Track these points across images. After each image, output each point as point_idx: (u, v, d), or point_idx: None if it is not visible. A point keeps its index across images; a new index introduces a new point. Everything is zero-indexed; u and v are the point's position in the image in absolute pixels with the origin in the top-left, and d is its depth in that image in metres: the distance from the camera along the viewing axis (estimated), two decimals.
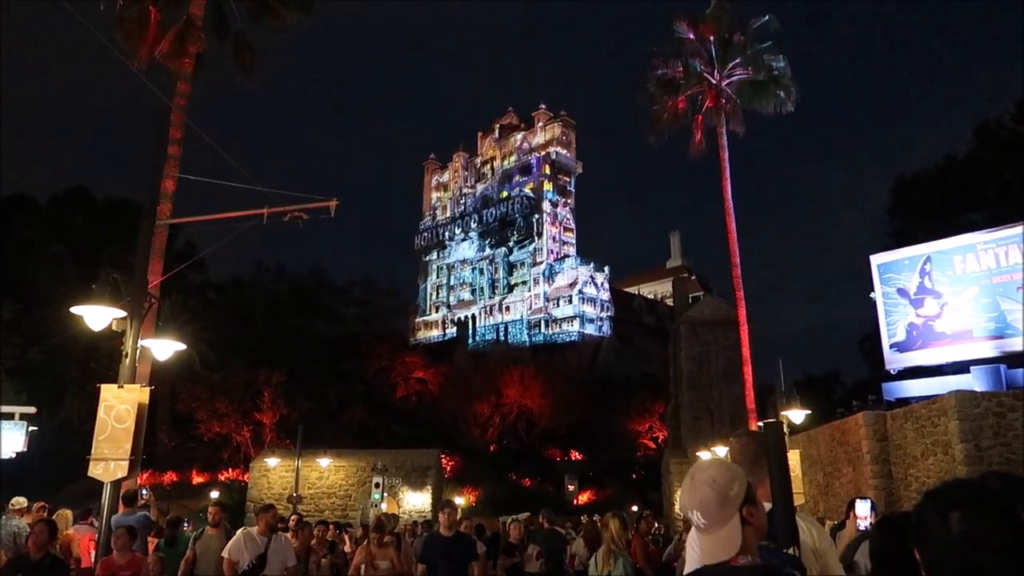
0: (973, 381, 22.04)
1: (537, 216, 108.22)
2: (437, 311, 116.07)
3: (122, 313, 8.03)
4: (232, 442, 51.33)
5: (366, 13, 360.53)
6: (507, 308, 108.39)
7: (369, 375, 61.96)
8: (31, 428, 20.63)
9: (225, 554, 8.07)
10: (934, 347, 24.53)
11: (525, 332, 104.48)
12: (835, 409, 31.32)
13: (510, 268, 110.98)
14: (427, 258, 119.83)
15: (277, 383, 50.40)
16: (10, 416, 20.12)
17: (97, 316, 7.94)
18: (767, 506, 2.58)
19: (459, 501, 49.20)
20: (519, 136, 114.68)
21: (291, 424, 44.92)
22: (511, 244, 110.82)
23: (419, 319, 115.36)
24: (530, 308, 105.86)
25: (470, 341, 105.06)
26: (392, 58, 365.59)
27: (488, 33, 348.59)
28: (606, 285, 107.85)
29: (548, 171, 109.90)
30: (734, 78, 24.31)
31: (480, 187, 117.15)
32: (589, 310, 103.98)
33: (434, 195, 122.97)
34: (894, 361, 25.75)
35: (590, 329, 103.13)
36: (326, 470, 38.73)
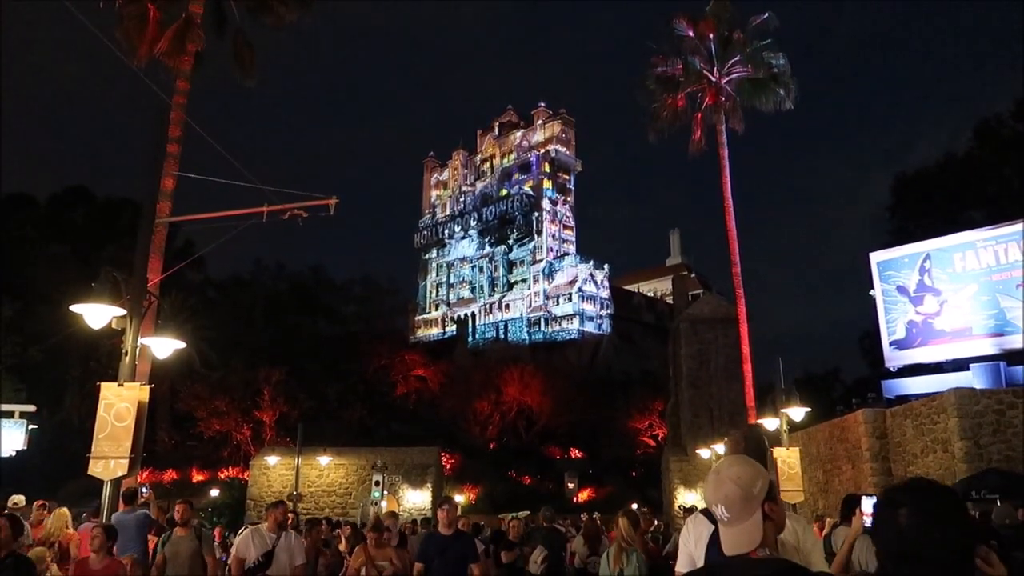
0: (973, 378, 22.06)
1: (537, 214, 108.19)
2: (437, 309, 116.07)
3: (122, 311, 8.02)
4: (232, 440, 51.36)
5: (366, 11, 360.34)
6: (507, 306, 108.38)
7: (369, 373, 61.96)
8: (31, 426, 20.69)
9: (234, 551, 8.02)
10: (934, 344, 24.56)
11: (525, 330, 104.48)
12: (835, 407, 31.37)
13: (510, 266, 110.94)
14: (427, 256, 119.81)
15: (277, 381, 50.41)
16: (10, 414, 20.16)
17: (97, 314, 7.93)
18: None
19: (459, 499, 49.25)
20: (519, 134, 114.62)
21: (291, 422, 44.95)
22: (511, 242, 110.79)
23: (419, 317, 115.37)
24: (530, 306, 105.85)
25: (470, 339, 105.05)
26: (392, 56, 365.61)
27: (488, 31, 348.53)
28: (606, 283, 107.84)
29: (548, 169, 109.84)
30: (734, 76, 24.32)
31: (480, 185, 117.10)
32: (589, 308, 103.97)
33: (433, 193, 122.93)
34: (894, 359, 25.77)
35: (590, 327, 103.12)
36: (326, 468, 38.75)
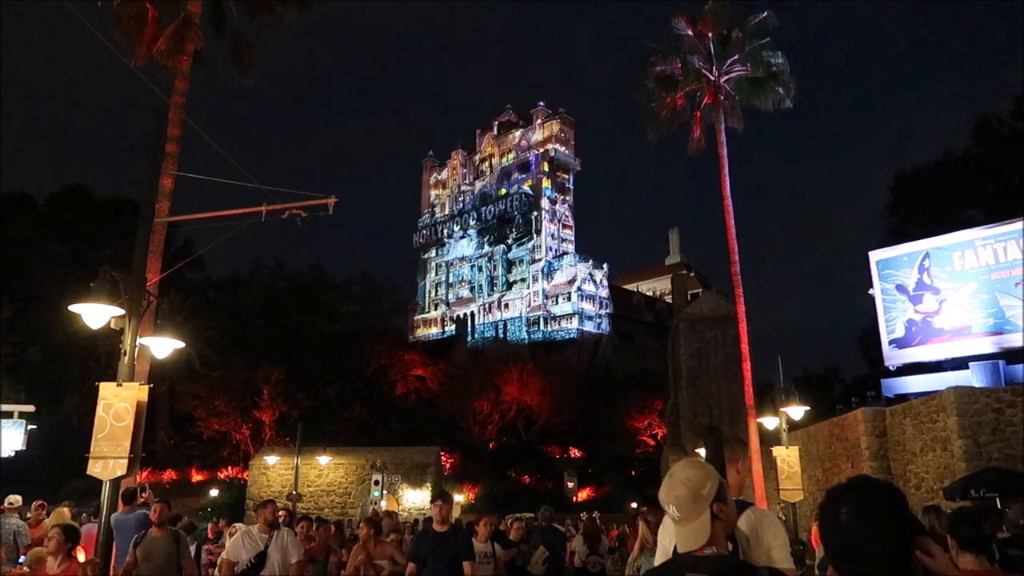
0: (972, 377, 22.08)
1: (536, 213, 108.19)
2: (436, 309, 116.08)
3: (120, 311, 8.01)
4: (231, 440, 51.36)
5: (365, 11, 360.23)
6: (506, 305, 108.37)
7: (368, 373, 61.93)
8: (30, 426, 20.67)
9: (224, 555, 7.74)
10: (933, 343, 24.57)
11: (524, 329, 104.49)
12: (834, 405, 31.41)
13: (509, 265, 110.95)
14: (426, 256, 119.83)
15: (276, 381, 50.38)
16: (9, 415, 20.14)
17: (95, 314, 7.93)
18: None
19: (459, 498, 49.27)
20: (518, 133, 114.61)
21: (290, 422, 44.93)
22: (510, 241, 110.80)
23: (418, 317, 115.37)
24: (529, 305, 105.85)
25: (469, 339, 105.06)
26: (391, 56, 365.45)
27: (487, 31, 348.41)
28: (605, 282, 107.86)
29: (547, 168, 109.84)
30: (733, 75, 24.28)
31: (479, 184, 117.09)
32: (588, 307, 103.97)
33: (433, 193, 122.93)
34: (893, 357, 25.79)
35: (589, 326, 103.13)
36: (325, 468, 38.74)
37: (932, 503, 14.85)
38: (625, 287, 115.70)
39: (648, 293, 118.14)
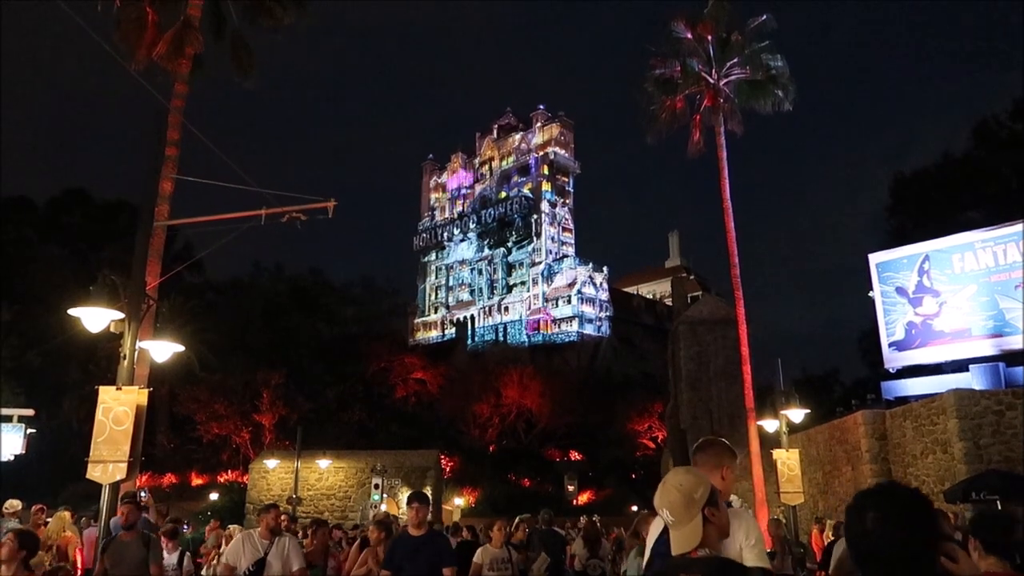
0: (972, 379, 22.06)
1: (536, 216, 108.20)
2: (436, 312, 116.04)
3: (120, 315, 8.01)
4: (231, 443, 51.31)
5: (364, 14, 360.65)
6: (506, 308, 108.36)
7: (368, 376, 61.90)
8: (30, 430, 20.68)
9: (224, 558, 7.48)
10: (933, 346, 24.55)
11: (524, 332, 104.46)
12: (834, 408, 31.36)
13: (509, 269, 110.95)
14: (426, 259, 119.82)
15: (276, 384, 50.35)
16: (9, 418, 20.14)
17: (95, 318, 7.93)
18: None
19: (459, 502, 49.23)
20: (517, 136, 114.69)
21: (290, 425, 44.91)
22: (510, 244, 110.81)
23: (418, 320, 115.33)
24: (529, 308, 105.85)
25: (469, 342, 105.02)
26: (390, 59, 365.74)
27: (486, 34, 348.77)
28: (605, 285, 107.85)
29: (546, 171, 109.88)
30: (732, 77, 24.29)
31: (479, 188, 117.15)
32: (588, 310, 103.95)
33: (432, 196, 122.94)
34: (893, 360, 25.77)
35: (589, 329, 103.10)
36: (325, 471, 38.71)
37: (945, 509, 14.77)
38: (625, 290, 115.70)
39: (648, 296, 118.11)
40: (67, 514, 12.63)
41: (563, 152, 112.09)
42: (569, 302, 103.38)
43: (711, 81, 24.09)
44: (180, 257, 39.65)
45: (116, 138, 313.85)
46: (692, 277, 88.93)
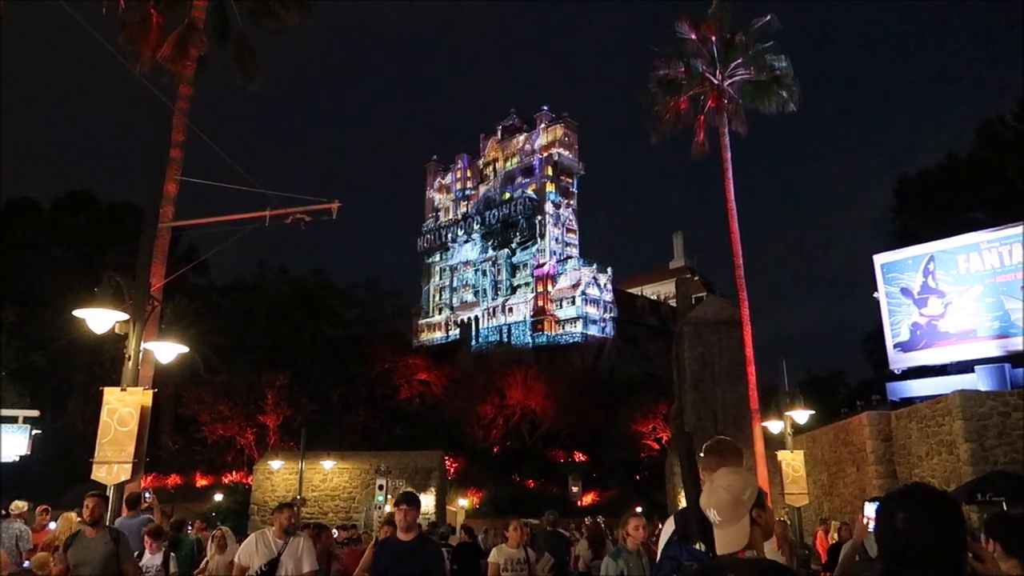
0: (977, 380, 22.00)
1: (540, 217, 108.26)
2: (440, 313, 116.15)
3: (125, 316, 8.03)
4: (236, 444, 51.36)
5: (368, 15, 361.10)
6: (510, 309, 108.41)
7: (372, 377, 61.91)
8: (35, 431, 20.72)
9: (236, 558, 7.33)
10: (938, 347, 24.49)
11: (528, 333, 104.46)
12: (839, 409, 31.29)
13: (513, 269, 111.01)
14: (430, 260, 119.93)
15: (280, 385, 50.40)
16: (13, 419, 20.19)
17: (100, 319, 7.95)
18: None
19: (463, 503, 49.21)
20: (521, 138, 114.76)
21: (295, 426, 44.93)
22: (514, 245, 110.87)
23: (422, 321, 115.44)
24: (533, 309, 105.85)
25: (473, 343, 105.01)
26: (394, 60, 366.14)
27: (490, 35, 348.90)
28: (609, 286, 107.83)
29: (550, 172, 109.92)
30: (736, 78, 24.27)
31: (483, 189, 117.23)
32: (592, 311, 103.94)
33: (437, 197, 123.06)
34: (898, 361, 25.71)
35: (593, 330, 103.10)
36: (330, 472, 38.73)
37: None
38: (629, 291, 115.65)
39: (652, 297, 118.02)
40: (73, 515, 12.64)
41: (567, 153, 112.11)
42: (573, 303, 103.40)
43: (715, 82, 24.07)
44: (185, 258, 39.69)
45: (121, 140, 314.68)
46: (696, 278, 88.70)
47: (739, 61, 24.15)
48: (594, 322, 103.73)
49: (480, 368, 76.87)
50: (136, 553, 8.28)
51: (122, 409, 7.82)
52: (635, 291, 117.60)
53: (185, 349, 9.92)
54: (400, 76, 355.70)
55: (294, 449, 39.12)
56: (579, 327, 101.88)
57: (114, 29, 17.20)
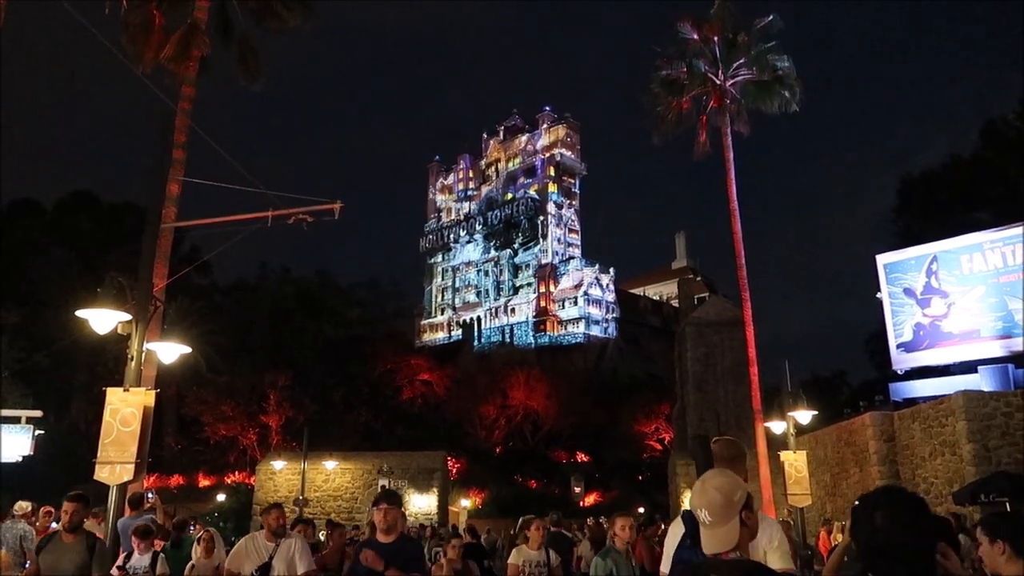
0: (981, 381, 21.97)
1: (542, 218, 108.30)
2: (442, 313, 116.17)
3: (127, 316, 8.03)
4: (238, 445, 51.41)
5: (370, 16, 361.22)
6: (512, 310, 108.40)
7: (374, 377, 61.95)
8: (37, 432, 20.76)
9: (227, 563, 7.02)
10: (941, 347, 24.45)
11: (530, 334, 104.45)
12: (842, 410, 31.26)
13: (515, 270, 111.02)
14: (432, 260, 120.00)
15: (283, 386, 50.44)
16: (16, 420, 20.23)
17: (102, 319, 7.95)
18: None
19: (465, 503, 49.21)
20: (524, 138, 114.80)
21: (297, 426, 44.97)
22: (516, 246, 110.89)
23: (424, 321, 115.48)
24: (535, 310, 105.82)
25: (475, 343, 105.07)
26: (396, 60, 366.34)
27: (491, 35, 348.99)
28: (611, 286, 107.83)
29: (553, 173, 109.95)
30: (738, 78, 24.22)
31: (485, 189, 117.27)
32: (594, 311, 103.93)
33: (439, 197, 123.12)
34: (901, 361, 25.68)
35: (595, 331, 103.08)
36: (332, 472, 38.75)
37: (953, 511, 14.79)
38: (631, 291, 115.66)
39: (655, 297, 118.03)
40: None
41: (569, 154, 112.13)
42: (575, 303, 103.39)
43: (717, 82, 24.03)
44: (187, 259, 39.75)
45: (123, 140, 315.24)
46: (699, 278, 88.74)
47: (741, 61, 24.11)
48: (596, 322, 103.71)
49: (482, 368, 76.92)
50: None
51: (125, 409, 7.81)
52: (637, 291, 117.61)
53: (188, 349, 9.91)
54: (401, 76, 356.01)
55: (296, 449, 39.13)
56: (581, 327, 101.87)
57: (117, 30, 17.24)
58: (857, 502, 2.45)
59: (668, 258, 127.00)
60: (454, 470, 51.38)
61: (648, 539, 9.58)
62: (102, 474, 7.72)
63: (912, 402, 23.27)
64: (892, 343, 25.86)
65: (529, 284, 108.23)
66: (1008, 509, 13.90)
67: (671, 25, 25.02)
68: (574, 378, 76.71)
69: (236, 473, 49.94)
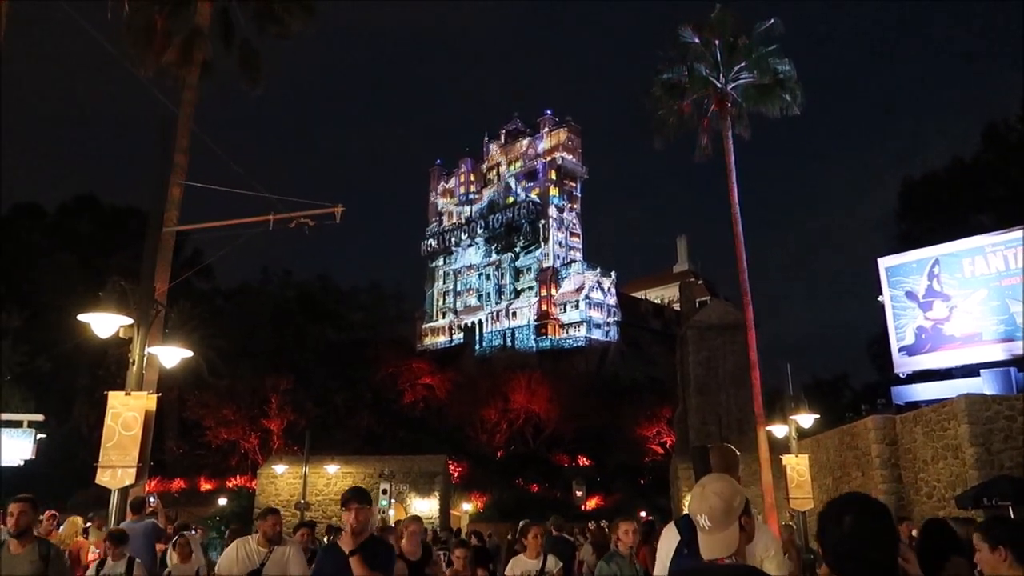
0: (983, 384, 21.93)
1: (543, 221, 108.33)
2: (444, 317, 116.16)
3: (129, 320, 8.04)
4: (240, 449, 51.37)
5: (372, 20, 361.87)
6: (514, 314, 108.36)
7: (376, 381, 61.91)
8: (39, 436, 20.72)
9: (217, 569, 6.76)
10: (943, 350, 24.43)
11: (532, 337, 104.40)
12: (844, 413, 31.16)
13: (516, 273, 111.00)
14: (434, 264, 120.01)
15: (284, 389, 50.42)
16: (18, 423, 20.22)
17: (104, 323, 7.96)
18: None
19: (467, 507, 49.16)
20: (525, 142, 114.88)
21: (298, 430, 44.91)
22: (517, 249, 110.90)
23: (426, 325, 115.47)
24: (536, 313, 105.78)
25: (477, 347, 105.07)
26: (396, 62, 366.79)
27: (492, 38, 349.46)
28: (613, 290, 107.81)
29: (554, 176, 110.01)
30: (740, 82, 24.22)
31: (486, 193, 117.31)
32: (596, 315, 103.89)
33: (440, 201, 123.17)
34: (903, 364, 25.65)
35: (597, 334, 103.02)
36: (334, 476, 38.71)
37: (955, 515, 14.74)
38: (633, 295, 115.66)
39: (656, 301, 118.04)
40: (79, 519, 12.68)
41: (570, 157, 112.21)
42: (577, 307, 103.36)
43: (718, 85, 24.04)
44: (189, 263, 39.76)
45: (125, 144, 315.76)
46: (700, 282, 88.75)
47: (742, 65, 24.11)
48: (598, 326, 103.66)
49: (484, 372, 76.91)
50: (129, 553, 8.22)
51: (126, 413, 7.82)
52: (639, 295, 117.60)
53: (189, 353, 9.91)
54: (402, 78, 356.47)
55: (298, 453, 39.08)
56: (583, 331, 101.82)
57: (119, 34, 17.26)
58: (824, 508, 2.51)
59: (669, 260, 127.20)
60: (456, 474, 51.33)
61: (654, 548, 9.56)
62: (104, 478, 7.73)
63: (914, 405, 23.24)
64: (894, 346, 25.83)
65: (530, 287, 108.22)
66: (1011, 514, 13.87)
67: (672, 28, 25.05)
68: (575, 382, 76.65)
69: (238, 477, 49.88)
